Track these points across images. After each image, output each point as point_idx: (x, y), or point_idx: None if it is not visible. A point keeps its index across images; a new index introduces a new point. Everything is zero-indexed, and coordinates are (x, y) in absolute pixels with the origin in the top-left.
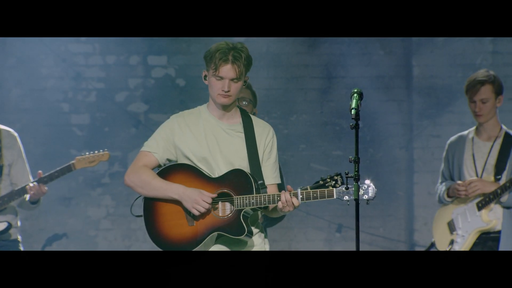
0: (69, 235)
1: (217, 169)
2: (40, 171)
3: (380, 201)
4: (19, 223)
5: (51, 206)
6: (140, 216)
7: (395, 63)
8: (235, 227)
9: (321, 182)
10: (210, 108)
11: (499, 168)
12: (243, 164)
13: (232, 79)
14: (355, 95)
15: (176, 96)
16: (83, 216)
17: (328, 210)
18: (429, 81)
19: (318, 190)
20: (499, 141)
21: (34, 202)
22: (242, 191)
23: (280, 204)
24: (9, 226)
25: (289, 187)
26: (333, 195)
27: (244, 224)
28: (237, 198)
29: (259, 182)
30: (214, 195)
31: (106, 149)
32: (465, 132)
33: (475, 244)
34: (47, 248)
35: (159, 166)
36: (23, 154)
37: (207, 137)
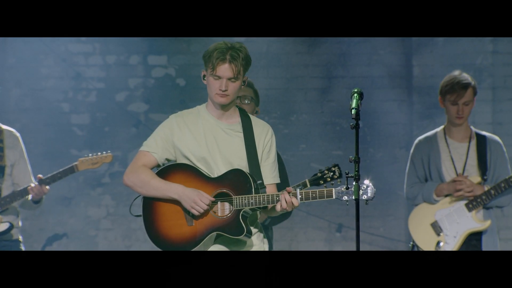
0: (69, 235)
1: (216, 169)
2: (40, 175)
3: (380, 201)
4: (20, 224)
5: (51, 206)
6: (139, 216)
7: (395, 63)
8: (234, 227)
9: (319, 174)
10: (209, 108)
11: (482, 169)
12: (242, 164)
13: (229, 79)
14: (356, 95)
15: (176, 96)
16: (83, 216)
17: (328, 210)
18: (429, 81)
19: (317, 190)
20: (474, 142)
21: (36, 201)
22: (241, 191)
23: (278, 206)
24: (11, 226)
25: (288, 188)
26: (332, 195)
27: (243, 224)
28: (236, 198)
29: (258, 182)
30: (213, 199)
31: (109, 151)
32: (432, 133)
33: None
34: (47, 248)
35: (158, 166)
36: (25, 155)
37: (206, 137)
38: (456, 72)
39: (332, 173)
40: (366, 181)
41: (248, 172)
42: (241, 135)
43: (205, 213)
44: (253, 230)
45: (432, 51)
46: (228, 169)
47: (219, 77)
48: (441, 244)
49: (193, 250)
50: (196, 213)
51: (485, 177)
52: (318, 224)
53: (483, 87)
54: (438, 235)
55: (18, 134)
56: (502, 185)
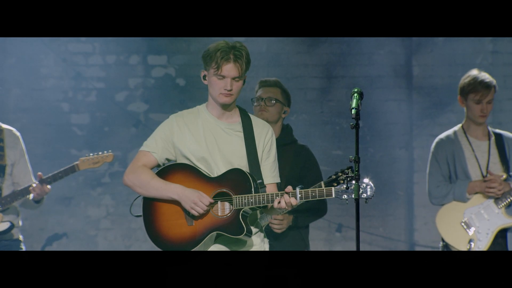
0: (69, 235)
1: (216, 169)
2: (39, 173)
3: (380, 200)
4: (20, 223)
5: (51, 205)
6: (140, 216)
7: (395, 63)
8: (234, 226)
9: (333, 177)
10: (209, 107)
11: (505, 165)
12: (242, 163)
13: (233, 78)
14: (355, 94)
15: (176, 95)
16: (83, 215)
17: (328, 210)
18: (429, 80)
19: (316, 189)
20: (493, 139)
21: (37, 201)
22: (241, 190)
23: (275, 203)
24: (12, 226)
25: (289, 187)
26: (331, 194)
27: (243, 224)
28: (236, 197)
29: (258, 181)
30: (212, 201)
31: (110, 150)
32: (451, 132)
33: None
34: (47, 248)
35: (158, 165)
36: (25, 154)
37: (206, 136)
38: (475, 71)
39: (345, 175)
40: (366, 180)
41: (248, 171)
42: (241, 134)
43: (205, 213)
44: (254, 229)
45: (432, 50)
46: (228, 168)
47: (224, 77)
48: (473, 242)
49: (193, 250)
50: (195, 213)
51: (510, 173)
52: (318, 224)
53: None
54: (470, 233)
55: (18, 134)
56: None
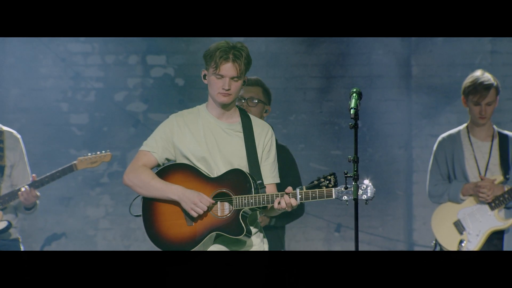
0: (68, 235)
1: (216, 169)
2: (34, 175)
3: (379, 200)
4: (18, 223)
5: (50, 205)
6: (139, 216)
7: (394, 63)
8: (234, 227)
9: (315, 182)
10: (209, 107)
11: (505, 167)
12: (242, 163)
13: (232, 78)
14: (354, 94)
15: (175, 95)
16: (82, 215)
17: (327, 210)
18: (428, 80)
19: (317, 190)
20: (497, 141)
21: (28, 208)
22: (241, 191)
23: (276, 203)
24: (9, 225)
25: (289, 188)
26: (332, 195)
27: (243, 224)
28: (236, 198)
29: (258, 181)
30: (213, 201)
31: (108, 150)
32: (455, 131)
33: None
34: (46, 248)
35: (158, 165)
36: (25, 157)
37: (206, 136)
38: (478, 72)
39: (327, 182)
40: (366, 181)
41: (248, 172)
42: (241, 134)
43: (205, 213)
44: (253, 230)
45: (431, 50)
46: (228, 169)
47: (222, 76)
48: (464, 242)
49: (192, 250)
50: (195, 214)
51: (507, 176)
52: (317, 224)
53: None
54: (461, 233)
55: (19, 136)
56: None
